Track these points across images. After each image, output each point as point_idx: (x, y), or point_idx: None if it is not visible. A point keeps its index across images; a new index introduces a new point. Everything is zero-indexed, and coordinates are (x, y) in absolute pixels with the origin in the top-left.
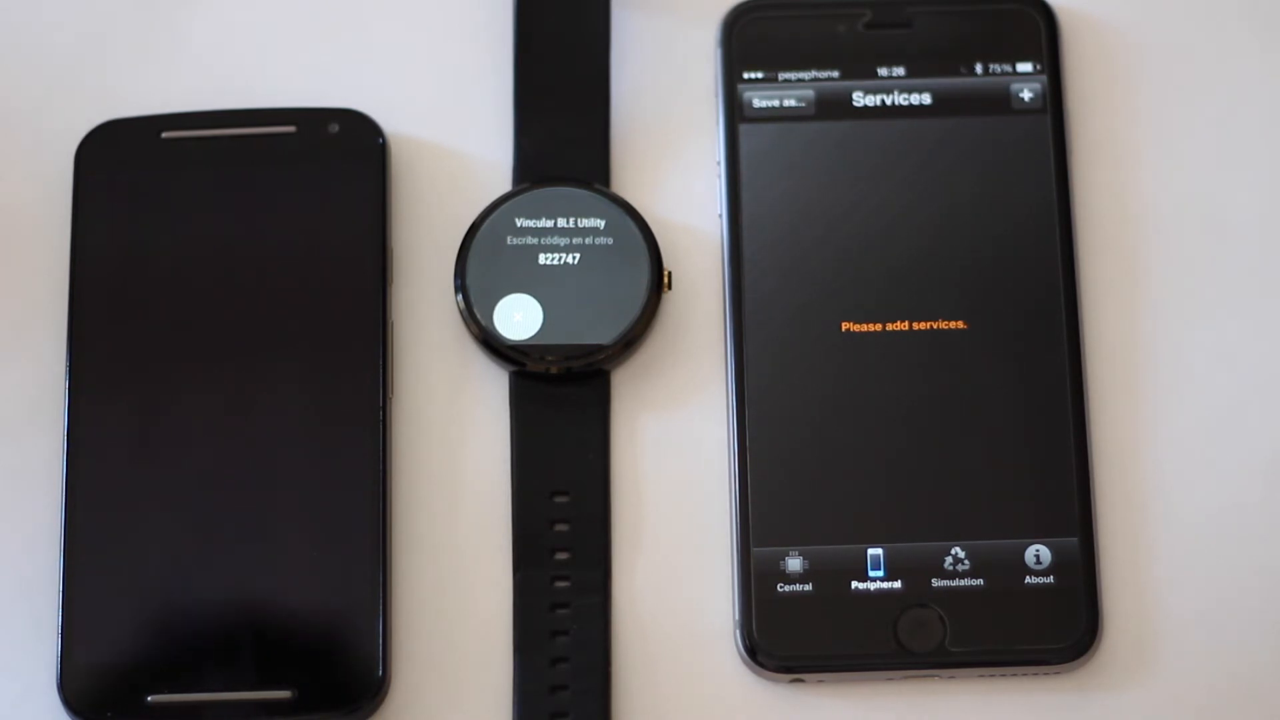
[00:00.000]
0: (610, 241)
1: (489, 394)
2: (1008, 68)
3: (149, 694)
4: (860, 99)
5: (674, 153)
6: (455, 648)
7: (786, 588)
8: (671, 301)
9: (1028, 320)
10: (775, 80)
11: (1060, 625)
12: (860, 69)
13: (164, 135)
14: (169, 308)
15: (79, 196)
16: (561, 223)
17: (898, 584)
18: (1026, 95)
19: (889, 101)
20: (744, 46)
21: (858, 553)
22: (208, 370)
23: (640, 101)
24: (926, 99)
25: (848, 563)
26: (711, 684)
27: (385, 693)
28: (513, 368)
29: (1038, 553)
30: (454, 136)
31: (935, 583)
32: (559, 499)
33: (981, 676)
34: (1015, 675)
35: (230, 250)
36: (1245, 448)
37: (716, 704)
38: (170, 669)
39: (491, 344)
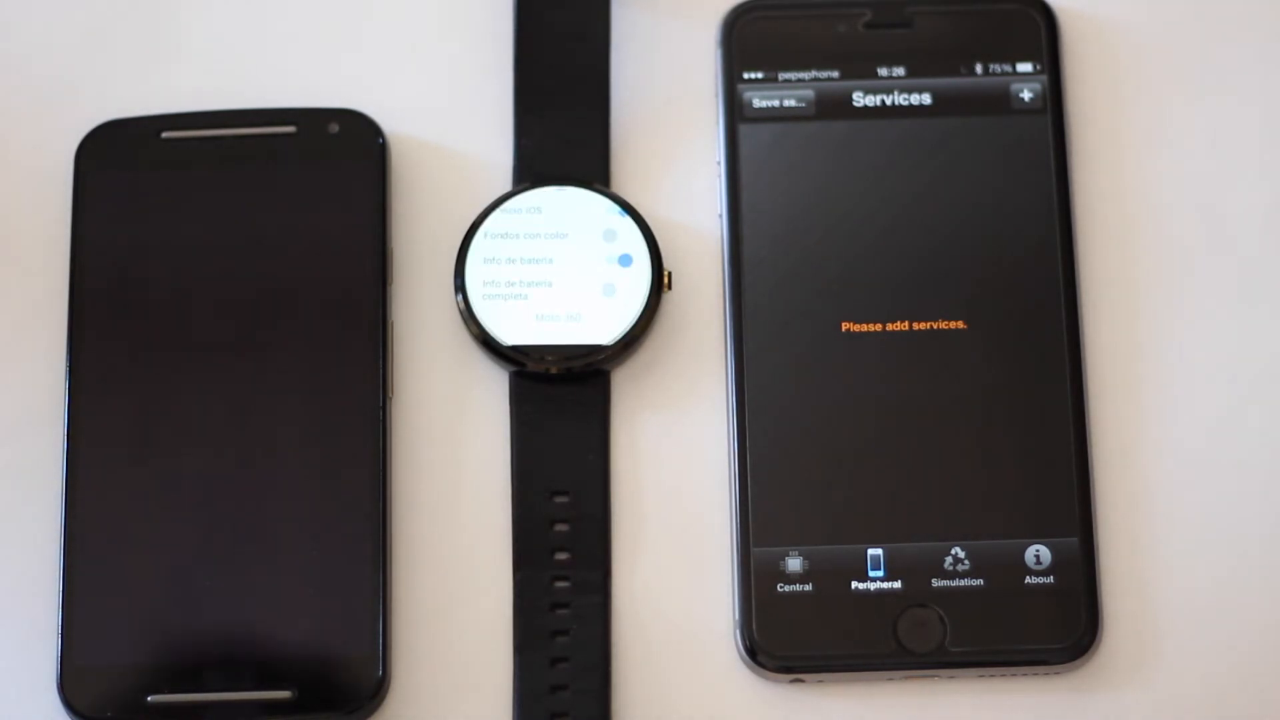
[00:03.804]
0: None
1: (489, 394)
2: (1008, 68)
3: (149, 694)
4: (860, 99)
5: (674, 153)
6: (455, 648)
7: (786, 588)
8: (671, 301)
9: (1028, 320)
10: (775, 80)
11: (1060, 625)
12: (860, 69)
13: (164, 135)
14: (169, 308)
15: (79, 196)
16: None
17: (898, 584)
18: (1026, 95)
19: (889, 101)
20: (744, 46)
21: (858, 553)
22: (207, 370)
23: (640, 101)
24: (926, 99)
25: (848, 563)
26: (711, 684)
27: (385, 693)
28: (513, 368)
29: (1038, 553)
30: (454, 136)
31: (935, 583)
32: (559, 499)
33: (981, 676)
34: (1015, 675)
35: (230, 250)
36: (1245, 448)
37: (716, 704)
38: (170, 669)
39: (491, 344)
